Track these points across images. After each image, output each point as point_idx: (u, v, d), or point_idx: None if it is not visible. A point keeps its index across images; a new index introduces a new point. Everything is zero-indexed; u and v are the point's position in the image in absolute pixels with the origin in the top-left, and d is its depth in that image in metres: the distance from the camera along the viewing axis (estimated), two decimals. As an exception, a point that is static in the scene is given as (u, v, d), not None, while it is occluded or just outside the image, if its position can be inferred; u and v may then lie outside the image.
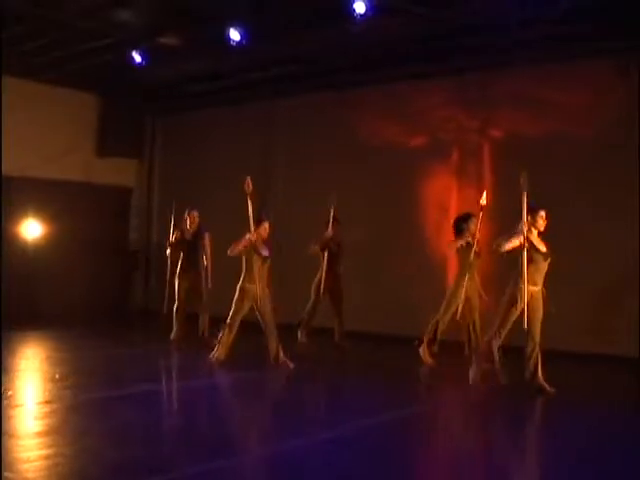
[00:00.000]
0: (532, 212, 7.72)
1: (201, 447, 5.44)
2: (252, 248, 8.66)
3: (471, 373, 8.12)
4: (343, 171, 12.41)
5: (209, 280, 10.23)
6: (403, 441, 5.95)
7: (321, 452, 5.44)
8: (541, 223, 7.77)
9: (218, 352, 8.99)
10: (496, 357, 7.92)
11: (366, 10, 9.54)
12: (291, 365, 8.80)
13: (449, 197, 11.56)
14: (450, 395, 8.02)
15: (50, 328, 11.57)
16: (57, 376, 7.83)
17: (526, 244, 7.62)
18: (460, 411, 7.37)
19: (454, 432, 6.52)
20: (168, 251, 10.54)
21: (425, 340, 9.13)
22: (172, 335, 10.48)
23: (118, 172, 14.40)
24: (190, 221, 10.41)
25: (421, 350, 9.12)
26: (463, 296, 8.99)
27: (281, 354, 8.90)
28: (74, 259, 13.34)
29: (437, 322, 9.09)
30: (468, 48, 10.71)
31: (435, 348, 9.19)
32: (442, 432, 6.52)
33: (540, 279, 7.85)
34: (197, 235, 10.44)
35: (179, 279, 10.47)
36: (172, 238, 10.58)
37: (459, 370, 8.40)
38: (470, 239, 9.06)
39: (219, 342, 8.90)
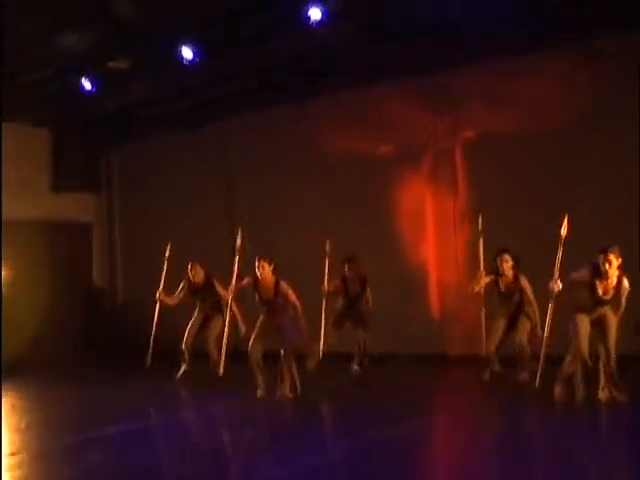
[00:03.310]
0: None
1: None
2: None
3: (557, 390, 7.92)
4: (310, 187, 12.27)
5: (241, 326, 9.78)
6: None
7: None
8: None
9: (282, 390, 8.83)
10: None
11: (322, 17, 9.39)
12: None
13: (423, 205, 11.44)
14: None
15: (14, 374, 11.38)
16: (23, 425, 7.78)
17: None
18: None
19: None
20: (158, 297, 10.23)
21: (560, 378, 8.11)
22: (180, 372, 10.23)
23: (76, 207, 14.20)
24: (194, 273, 10.14)
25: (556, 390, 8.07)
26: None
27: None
28: (34, 301, 13.13)
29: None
30: (429, 48, 10.59)
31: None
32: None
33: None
34: (207, 283, 10.21)
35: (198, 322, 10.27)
36: (179, 290, 10.28)
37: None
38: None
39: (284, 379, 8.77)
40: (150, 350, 10.36)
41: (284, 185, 12.55)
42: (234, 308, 9.46)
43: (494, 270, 9.07)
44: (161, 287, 10.13)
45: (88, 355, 13.44)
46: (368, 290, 10.14)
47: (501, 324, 9.02)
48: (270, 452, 6.53)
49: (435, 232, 11.24)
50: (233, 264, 9.02)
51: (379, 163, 11.64)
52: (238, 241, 9.39)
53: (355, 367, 10.21)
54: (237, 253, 9.03)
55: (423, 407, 8.23)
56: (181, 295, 10.07)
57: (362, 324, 10.20)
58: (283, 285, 8.57)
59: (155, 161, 14.00)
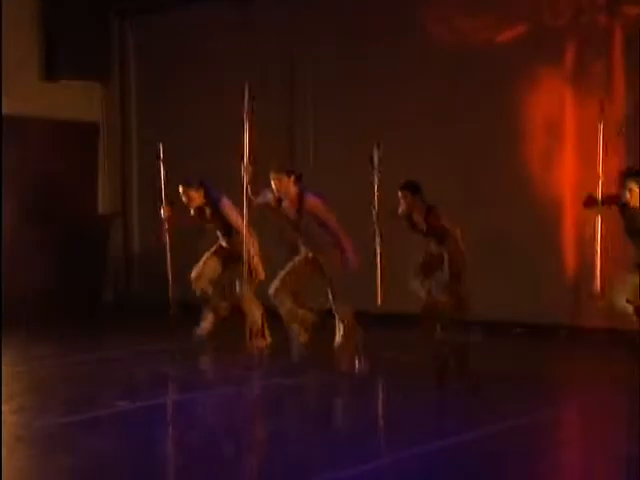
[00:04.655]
0: None
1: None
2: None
3: None
4: (399, 88, 10.88)
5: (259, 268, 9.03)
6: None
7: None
8: None
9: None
10: None
11: None
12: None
13: (561, 114, 10.11)
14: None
15: None
16: (3, 397, 6.99)
17: None
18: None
19: None
20: (163, 214, 9.57)
21: None
22: (200, 328, 9.47)
23: (76, 101, 12.78)
24: (188, 199, 9.28)
25: None
26: None
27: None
28: (21, 233, 11.98)
29: None
30: None
31: None
32: None
33: None
34: (212, 208, 9.39)
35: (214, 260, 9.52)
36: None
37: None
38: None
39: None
40: (170, 294, 9.80)
41: (365, 83, 11.13)
42: (248, 240, 8.82)
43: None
44: (164, 201, 9.57)
45: (91, 307, 12.67)
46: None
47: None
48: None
49: (576, 154, 9.97)
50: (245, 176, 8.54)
51: (502, 53, 10.38)
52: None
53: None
54: (246, 171, 8.52)
55: (550, 394, 7.49)
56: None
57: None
58: (309, 199, 7.99)
59: (186, 39, 12.61)
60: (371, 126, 10.60)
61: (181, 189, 9.33)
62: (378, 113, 10.86)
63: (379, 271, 9.03)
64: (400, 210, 9.06)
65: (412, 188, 8.96)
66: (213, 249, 9.34)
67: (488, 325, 9.86)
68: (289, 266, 8.30)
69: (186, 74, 12.66)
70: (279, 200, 8.19)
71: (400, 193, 8.88)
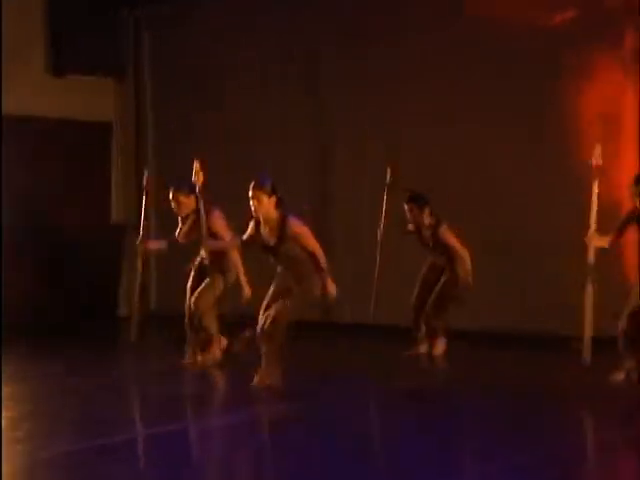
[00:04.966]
0: None
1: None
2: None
3: None
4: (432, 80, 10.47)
5: (245, 286, 8.70)
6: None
7: None
8: None
9: None
10: None
11: None
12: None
13: (619, 105, 9.66)
14: None
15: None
16: (2, 424, 6.81)
17: None
18: None
19: None
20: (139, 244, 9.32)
21: None
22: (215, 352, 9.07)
23: (86, 98, 12.27)
24: (176, 204, 8.87)
25: None
26: None
27: None
28: (27, 244, 11.69)
29: None
30: None
31: None
32: None
33: None
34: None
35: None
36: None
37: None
38: None
39: None
40: (135, 319, 9.86)
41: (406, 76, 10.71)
42: (234, 257, 8.58)
43: None
44: (141, 232, 9.29)
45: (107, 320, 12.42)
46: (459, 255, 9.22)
47: None
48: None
49: (637, 148, 9.51)
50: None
51: (552, 38, 9.90)
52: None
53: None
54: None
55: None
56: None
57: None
58: (292, 223, 7.49)
59: (204, 30, 12.19)
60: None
61: (171, 193, 8.91)
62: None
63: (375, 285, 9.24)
64: (410, 226, 8.93)
65: (418, 201, 8.74)
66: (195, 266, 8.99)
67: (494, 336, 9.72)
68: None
69: (205, 68, 12.23)
70: (257, 222, 7.67)
71: (406, 206, 8.66)
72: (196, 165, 8.49)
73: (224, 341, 9.19)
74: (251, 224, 7.60)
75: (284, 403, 7.34)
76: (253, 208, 7.47)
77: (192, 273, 9.03)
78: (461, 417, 7.13)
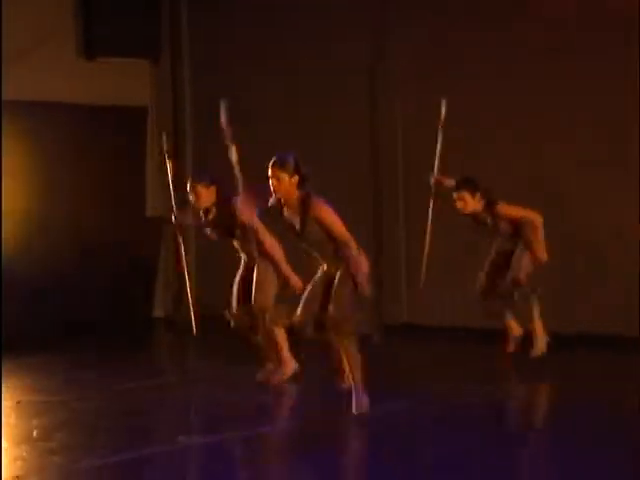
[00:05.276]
0: None
1: None
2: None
3: None
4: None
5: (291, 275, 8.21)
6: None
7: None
8: None
9: None
10: None
11: None
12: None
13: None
14: None
15: (23, 352, 10.02)
16: (35, 433, 6.79)
17: None
18: None
19: None
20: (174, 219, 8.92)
21: None
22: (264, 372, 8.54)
23: (120, 82, 11.88)
24: (196, 197, 8.43)
25: None
26: None
27: None
28: (57, 236, 11.17)
29: None
30: None
31: None
32: None
33: None
34: (227, 211, 8.53)
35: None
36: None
37: None
38: None
39: None
40: (192, 312, 9.19)
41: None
42: (267, 243, 8.07)
43: None
44: (172, 200, 9.03)
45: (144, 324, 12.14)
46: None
47: None
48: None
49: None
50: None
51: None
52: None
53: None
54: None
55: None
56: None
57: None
58: (314, 204, 6.96)
59: (250, 7, 11.65)
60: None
61: (189, 184, 8.53)
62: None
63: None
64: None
65: (470, 186, 8.32)
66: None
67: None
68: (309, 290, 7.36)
69: (247, 49, 11.76)
70: (279, 203, 7.21)
71: (455, 195, 8.27)
72: (233, 153, 7.91)
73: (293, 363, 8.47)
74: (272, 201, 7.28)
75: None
76: (272, 188, 7.02)
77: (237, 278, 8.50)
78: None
